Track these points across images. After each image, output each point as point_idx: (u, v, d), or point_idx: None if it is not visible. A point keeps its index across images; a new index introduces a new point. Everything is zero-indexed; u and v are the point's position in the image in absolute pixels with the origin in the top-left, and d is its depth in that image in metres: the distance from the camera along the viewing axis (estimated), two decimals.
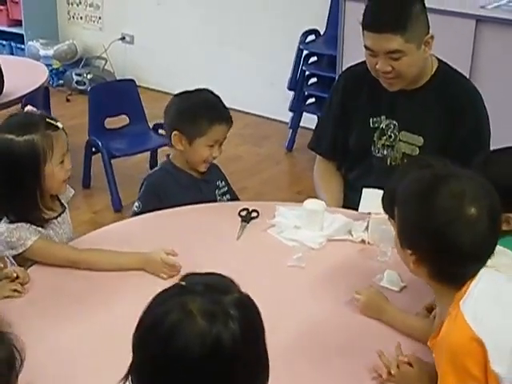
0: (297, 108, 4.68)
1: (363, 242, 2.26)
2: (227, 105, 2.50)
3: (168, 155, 2.52)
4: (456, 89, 2.45)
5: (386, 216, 2.21)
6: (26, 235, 2.04)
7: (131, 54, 5.67)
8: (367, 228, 2.26)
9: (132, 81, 4.12)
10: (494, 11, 3.46)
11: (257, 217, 2.37)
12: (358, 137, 2.60)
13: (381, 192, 2.31)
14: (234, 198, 2.61)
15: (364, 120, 2.56)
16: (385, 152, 2.55)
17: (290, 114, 4.77)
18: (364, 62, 2.58)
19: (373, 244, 2.24)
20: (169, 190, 2.42)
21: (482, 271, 1.53)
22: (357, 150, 2.62)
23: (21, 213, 2.06)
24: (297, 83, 4.63)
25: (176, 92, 2.40)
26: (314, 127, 4.88)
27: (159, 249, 2.06)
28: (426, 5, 2.36)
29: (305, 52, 4.57)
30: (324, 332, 1.85)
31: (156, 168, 2.53)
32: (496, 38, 3.40)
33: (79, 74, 5.48)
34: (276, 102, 4.95)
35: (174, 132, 2.41)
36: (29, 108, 2.12)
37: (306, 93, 4.67)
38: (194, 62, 5.36)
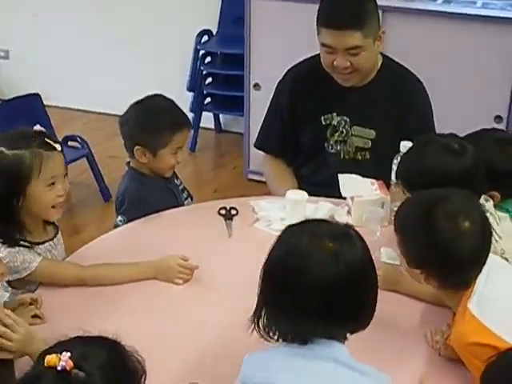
0: (197, 109, 4.73)
1: None
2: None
3: (128, 162, 2.47)
4: (401, 81, 2.61)
5: (369, 197, 2.36)
6: (30, 258, 1.99)
7: (7, 70, 5.47)
8: (349, 212, 2.38)
9: (37, 95, 3.99)
10: (396, 1, 3.69)
11: (237, 214, 2.42)
12: (310, 135, 2.68)
13: (356, 176, 2.46)
14: (190, 194, 2.62)
15: (315, 118, 2.63)
16: (338, 147, 2.65)
17: (190, 115, 4.80)
18: (307, 61, 2.67)
19: (357, 226, 2.35)
20: (149, 198, 2.41)
21: (486, 267, 1.69)
22: (310, 148, 2.70)
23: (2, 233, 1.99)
24: (195, 84, 4.67)
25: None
26: (212, 126, 5.06)
27: (170, 255, 2.06)
28: None
29: (201, 52, 4.62)
30: None
31: (124, 181, 2.45)
32: (401, 26, 3.63)
33: None
34: None
35: (137, 147, 2.37)
36: (37, 127, 2.05)
37: (205, 92, 4.73)
38: (78, 73, 5.24)
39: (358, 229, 2.26)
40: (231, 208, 2.44)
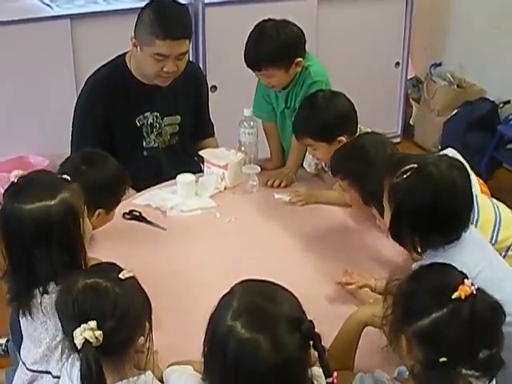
0: None
1: (225, 188, 2.85)
2: None
3: None
4: (190, 69, 3.07)
5: (238, 159, 2.86)
6: None
7: None
8: (223, 177, 2.84)
9: None
10: None
11: (141, 213, 2.65)
12: (127, 137, 2.96)
13: (211, 149, 2.95)
14: None
15: (130, 123, 2.94)
16: (157, 141, 3.04)
17: None
18: (104, 69, 2.95)
19: (232, 186, 2.84)
20: None
21: None
22: (127, 149, 2.97)
23: None
24: None
25: None
26: None
27: None
28: None
29: None
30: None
31: None
32: None
33: None
34: None
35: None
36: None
37: None
38: None
39: (233, 188, 2.82)
40: (131, 211, 2.65)
